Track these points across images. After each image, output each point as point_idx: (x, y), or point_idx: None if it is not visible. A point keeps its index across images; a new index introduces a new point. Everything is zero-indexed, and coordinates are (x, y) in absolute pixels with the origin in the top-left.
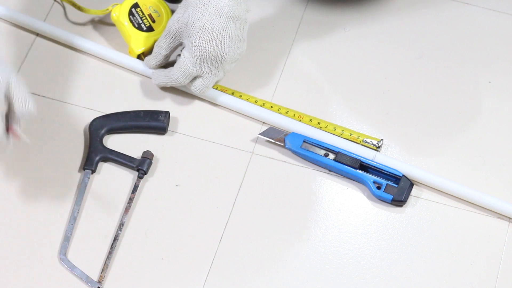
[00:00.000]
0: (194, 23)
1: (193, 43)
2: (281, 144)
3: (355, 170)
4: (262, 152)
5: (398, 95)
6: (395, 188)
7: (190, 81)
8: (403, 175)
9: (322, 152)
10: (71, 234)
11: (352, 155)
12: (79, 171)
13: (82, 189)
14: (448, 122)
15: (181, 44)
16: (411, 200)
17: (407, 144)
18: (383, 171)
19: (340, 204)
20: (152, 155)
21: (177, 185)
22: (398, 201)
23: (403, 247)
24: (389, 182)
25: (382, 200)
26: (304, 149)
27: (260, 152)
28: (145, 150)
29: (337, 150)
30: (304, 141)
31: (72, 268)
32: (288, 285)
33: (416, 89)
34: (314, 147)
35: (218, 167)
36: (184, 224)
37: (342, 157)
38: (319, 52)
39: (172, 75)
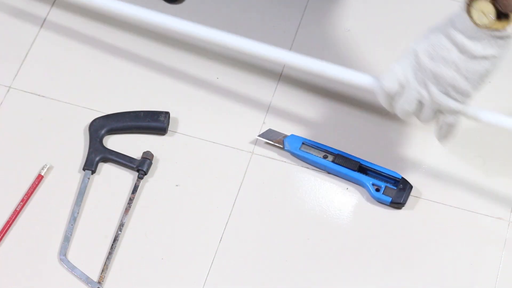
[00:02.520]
0: (425, 31)
1: (411, 44)
2: (280, 146)
3: (354, 172)
4: (262, 152)
5: None
6: (394, 190)
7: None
8: (402, 177)
9: (321, 154)
10: (71, 235)
11: (351, 157)
12: (79, 171)
13: (82, 189)
14: None
15: None
16: (410, 200)
17: (407, 144)
18: (382, 173)
19: (339, 205)
20: (152, 155)
21: (177, 185)
22: (397, 203)
23: (403, 248)
24: (388, 184)
25: (381, 202)
26: (303, 151)
27: (260, 152)
28: (145, 150)
29: (336, 152)
30: (303, 143)
31: (72, 268)
32: (288, 285)
33: None
34: (313, 149)
35: (218, 167)
36: (184, 224)
37: (341, 159)
38: (319, 53)
39: (382, 79)
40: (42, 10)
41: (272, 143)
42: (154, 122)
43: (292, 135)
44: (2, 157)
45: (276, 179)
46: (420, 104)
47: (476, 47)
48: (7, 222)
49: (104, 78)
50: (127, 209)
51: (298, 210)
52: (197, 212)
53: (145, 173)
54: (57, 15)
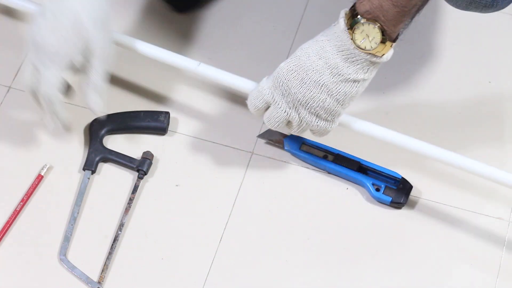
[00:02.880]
0: (297, 50)
1: (281, 64)
2: (280, 146)
3: (354, 172)
4: (262, 152)
5: (398, 95)
6: (394, 190)
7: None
8: (402, 177)
9: (321, 154)
10: (71, 235)
11: (351, 157)
12: (79, 171)
13: (82, 189)
14: (448, 122)
15: None
16: (410, 200)
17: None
18: (382, 173)
19: (339, 205)
20: (152, 155)
21: (177, 185)
22: (397, 203)
23: (403, 248)
24: (388, 184)
25: (381, 202)
26: (303, 151)
27: (260, 152)
28: (145, 150)
29: (336, 152)
30: (303, 143)
31: (72, 268)
32: (288, 285)
33: (416, 88)
34: (313, 149)
35: (218, 167)
36: (184, 224)
37: (341, 159)
38: None
39: (251, 92)
40: None
41: (272, 143)
42: (154, 122)
43: (292, 135)
44: (2, 157)
45: (276, 179)
46: (289, 121)
47: (349, 71)
48: (7, 222)
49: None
50: (127, 209)
51: (298, 210)
52: (197, 212)
53: (145, 173)
54: None
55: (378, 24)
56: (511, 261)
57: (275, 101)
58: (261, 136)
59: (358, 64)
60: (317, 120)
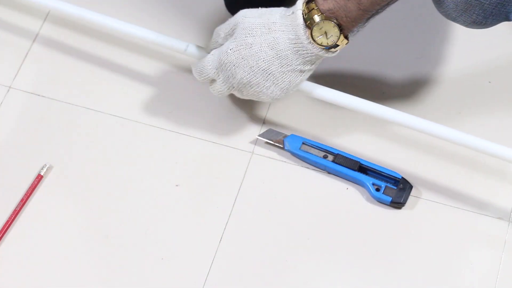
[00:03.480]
0: (246, 34)
1: (229, 49)
2: (280, 146)
3: (354, 172)
4: (262, 152)
5: (397, 95)
6: (394, 190)
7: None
8: (402, 177)
9: (321, 154)
10: None
11: (351, 157)
12: (79, 172)
13: None
14: (448, 123)
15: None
16: (410, 200)
17: (407, 144)
18: (382, 173)
19: (339, 205)
20: None
21: (177, 185)
22: (397, 203)
23: (403, 248)
24: (388, 184)
25: (381, 202)
26: (303, 151)
27: (260, 152)
28: None
29: (336, 152)
30: (303, 143)
31: None
32: (288, 285)
33: (416, 89)
34: (313, 148)
35: (218, 167)
36: (184, 224)
37: (341, 159)
38: None
39: (195, 65)
40: (43, 9)
41: (272, 143)
42: None
43: (292, 135)
44: (2, 157)
45: (276, 179)
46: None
47: (298, 62)
48: (7, 222)
49: (104, 77)
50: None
51: (298, 210)
52: (197, 212)
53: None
54: (58, 14)
55: (337, 22)
56: (511, 261)
57: (220, 79)
58: (261, 136)
59: (307, 57)
60: (257, 100)
